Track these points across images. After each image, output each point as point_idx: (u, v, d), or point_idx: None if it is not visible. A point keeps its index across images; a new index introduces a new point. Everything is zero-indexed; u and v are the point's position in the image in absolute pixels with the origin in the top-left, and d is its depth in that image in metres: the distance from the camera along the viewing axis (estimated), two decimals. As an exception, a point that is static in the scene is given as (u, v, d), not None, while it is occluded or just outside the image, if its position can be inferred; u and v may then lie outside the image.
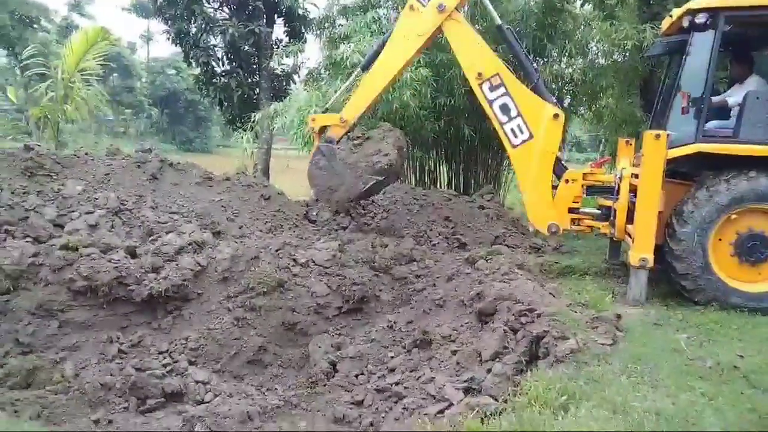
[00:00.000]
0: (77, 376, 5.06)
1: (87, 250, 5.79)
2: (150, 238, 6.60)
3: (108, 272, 5.60)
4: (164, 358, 5.31)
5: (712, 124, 6.07)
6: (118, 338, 5.47)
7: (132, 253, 6.07)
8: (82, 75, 13.34)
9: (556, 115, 6.81)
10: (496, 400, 3.84)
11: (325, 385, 5.20)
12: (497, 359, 4.50)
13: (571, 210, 6.85)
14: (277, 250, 6.53)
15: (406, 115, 9.90)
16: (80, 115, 13.58)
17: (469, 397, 3.99)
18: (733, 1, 5.89)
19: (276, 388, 5.34)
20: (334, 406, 4.72)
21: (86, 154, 8.08)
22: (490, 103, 6.96)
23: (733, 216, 5.63)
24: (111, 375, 4.95)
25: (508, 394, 3.77)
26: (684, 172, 6.25)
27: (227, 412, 4.52)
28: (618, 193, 6.49)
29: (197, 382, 5.08)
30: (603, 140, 13.73)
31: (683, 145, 5.93)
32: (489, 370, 4.33)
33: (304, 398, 5.04)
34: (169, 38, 13.97)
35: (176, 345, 5.51)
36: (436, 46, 10.20)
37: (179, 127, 43.68)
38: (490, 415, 3.44)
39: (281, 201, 8.72)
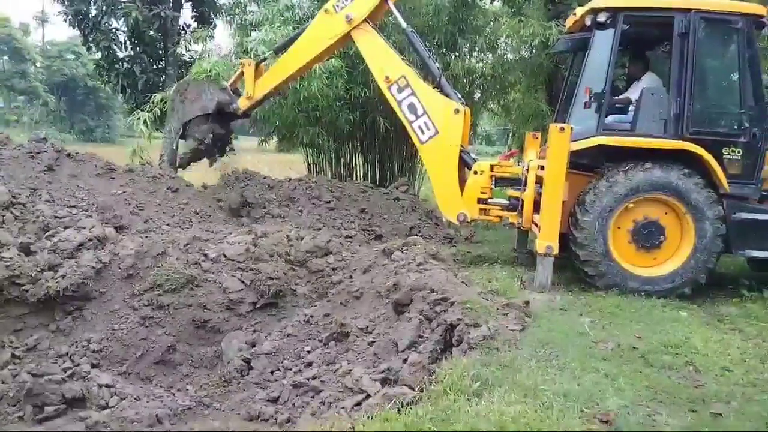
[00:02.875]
0: (-37, 385, 4.63)
1: (-27, 249, 5.31)
2: (46, 234, 6.13)
3: (-2, 271, 5.16)
4: (64, 362, 4.95)
5: (611, 119, 6.43)
6: (12, 342, 5.06)
7: (26, 251, 5.62)
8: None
9: (456, 111, 7.10)
10: (413, 389, 3.88)
11: (239, 383, 5.05)
12: (413, 348, 4.54)
13: (479, 200, 7.05)
14: (186, 245, 6.26)
15: (319, 105, 9.80)
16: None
17: (386, 387, 4.00)
18: (631, 1, 6.25)
19: (187, 389, 5.12)
20: (249, 404, 4.59)
21: (-29, 143, 7.41)
22: (399, 103, 7.30)
23: (631, 205, 5.99)
24: (3, 383, 4.57)
25: (424, 383, 3.82)
26: (586, 164, 6.57)
27: (134, 416, 4.30)
28: (525, 184, 6.73)
29: (101, 385, 4.77)
30: (511, 134, 14.21)
31: (585, 138, 6.23)
32: (405, 360, 4.36)
33: (217, 398, 4.87)
34: (66, 20, 13.08)
35: (77, 347, 5.16)
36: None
37: (79, 116, 41.18)
38: (407, 404, 3.47)
39: (190, 193, 8.39)
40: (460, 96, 7.51)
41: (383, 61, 7.46)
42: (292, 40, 7.95)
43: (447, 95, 7.32)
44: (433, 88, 7.35)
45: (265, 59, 8.39)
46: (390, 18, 9.41)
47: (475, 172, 7.05)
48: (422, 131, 7.21)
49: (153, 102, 9.65)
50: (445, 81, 7.55)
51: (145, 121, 9.17)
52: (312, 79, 9.25)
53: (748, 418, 3.37)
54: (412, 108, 7.25)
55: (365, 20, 7.47)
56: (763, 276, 6.54)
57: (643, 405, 3.43)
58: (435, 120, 7.15)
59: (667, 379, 3.87)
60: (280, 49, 8.10)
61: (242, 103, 8.16)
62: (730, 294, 6.17)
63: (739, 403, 3.56)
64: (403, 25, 7.71)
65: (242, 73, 8.21)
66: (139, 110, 9.50)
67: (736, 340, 4.72)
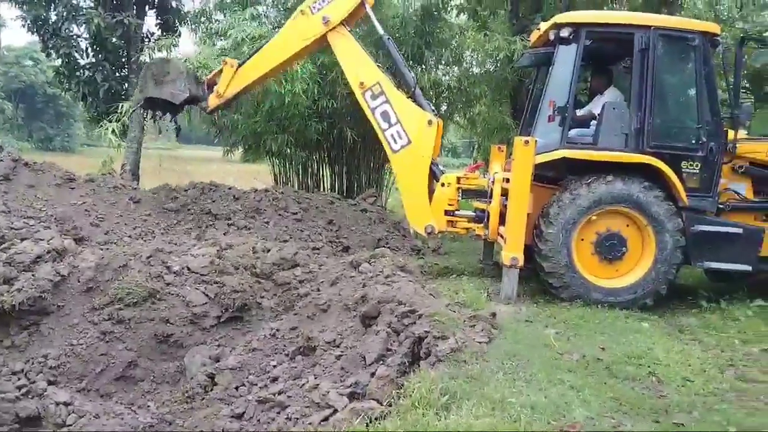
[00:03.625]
0: None
1: None
2: (1, 247, 5.93)
3: (-52, 286, 4.96)
4: (19, 379, 4.75)
5: (574, 132, 6.54)
6: (-39, 360, 4.86)
7: (-22, 264, 5.42)
8: None
9: (429, 122, 7.10)
10: (381, 403, 3.84)
11: (202, 400, 4.94)
12: (381, 362, 4.50)
13: (447, 212, 7.08)
14: (148, 257, 6.12)
15: (290, 113, 9.77)
16: None
17: (353, 402, 3.96)
18: (593, 17, 6.40)
19: (149, 406, 4.99)
20: (213, 420, 4.48)
21: None
22: (372, 110, 7.24)
23: (593, 217, 6.10)
24: (-48, 403, 4.38)
25: (393, 397, 3.79)
26: (550, 177, 6.67)
27: (93, 435, 4.16)
28: (491, 196, 6.80)
29: (58, 403, 4.60)
30: (476, 146, 14.38)
31: (549, 151, 6.33)
32: (373, 374, 4.31)
33: (179, 414, 4.75)
34: (24, 25, 12.72)
35: (33, 364, 4.98)
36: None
37: (37, 124, 40.10)
38: (375, 419, 3.44)
39: (152, 204, 8.23)
40: (432, 107, 7.54)
41: (358, 66, 7.39)
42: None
43: (420, 105, 7.31)
44: (407, 97, 7.34)
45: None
46: (360, 27, 9.46)
47: (443, 184, 7.09)
48: (395, 140, 7.17)
49: (120, 112, 9.53)
50: (419, 91, 7.56)
51: (113, 131, 9.07)
52: (296, 81, 9.23)
53: (709, 426, 3.44)
54: (385, 116, 7.20)
55: (342, 23, 7.40)
56: (720, 287, 6.73)
57: (608, 416, 3.47)
58: (408, 130, 7.12)
59: (631, 390, 3.93)
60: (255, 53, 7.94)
61: (211, 101, 7.96)
62: (689, 305, 6.33)
63: (699, 413, 3.63)
64: (381, 31, 7.69)
65: (220, 72, 8.02)
66: (107, 120, 9.36)
67: (696, 350, 4.83)
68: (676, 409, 3.66)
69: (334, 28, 7.38)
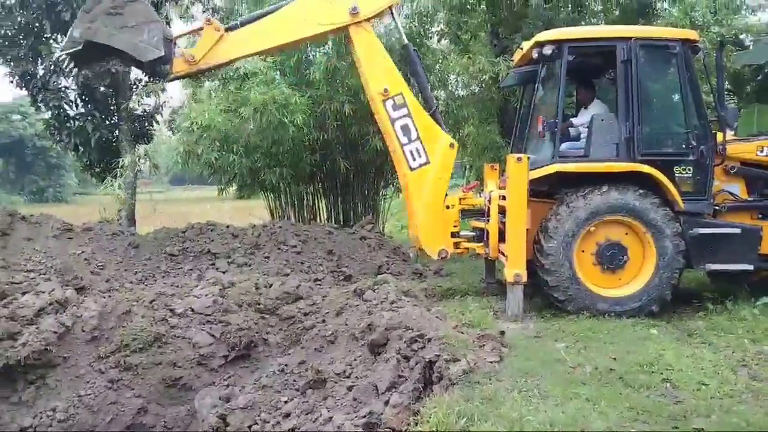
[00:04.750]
0: None
1: (-76, 323, 5.05)
2: (2, 302, 5.90)
3: (-47, 345, 4.92)
4: (28, 436, 4.72)
5: (565, 146, 6.61)
6: (-31, 420, 4.80)
7: (-19, 321, 5.38)
8: None
9: (452, 144, 7.02)
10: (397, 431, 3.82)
11: (216, 441, 4.89)
12: (394, 389, 4.48)
13: (452, 234, 7.06)
14: (151, 302, 6.10)
15: (286, 147, 9.88)
16: None
17: (370, 432, 3.93)
18: (574, 33, 6.53)
19: (161, 453, 4.93)
20: (228, 461, 4.44)
21: None
22: (393, 121, 6.83)
23: (592, 228, 6.13)
24: (-38, 465, 4.32)
25: (409, 424, 3.76)
26: (545, 191, 6.72)
27: (107, 488, 4.09)
28: (488, 214, 6.83)
29: (69, 457, 4.56)
30: (468, 166, 14.46)
31: (542, 167, 6.39)
32: (387, 402, 4.29)
33: (194, 458, 4.70)
34: (12, 81, 12.81)
35: (42, 419, 4.94)
36: (306, 83, 10.29)
37: (28, 177, 40.14)
38: (393, 448, 3.40)
39: (151, 248, 8.22)
40: (446, 130, 7.33)
41: (382, 69, 6.85)
42: (258, 17, 6.81)
43: (439, 125, 7.07)
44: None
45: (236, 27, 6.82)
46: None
47: (448, 207, 7.04)
48: (413, 157, 6.83)
49: (122, 166, 9.74)
50: (438, 112, 7.25)
51: (120, 186, 9.29)
52: (297, 113, 9.30)
53: (729, 429, 3.42)
54: (405, 130, 6.81)
55: (368, 19, 6.84)
56: (724, 288, 6.74)
57: (627, 426, 3.46)
58: (428, 148, 6.83)
59: (647, 398, 3.91)
60: (248, 22, 6.76)
61: (178, 66, 6.56)
62: (695, 308, 6.33)
63: (718, 415, 3.62)
64: (405, 40, 7.32)
65: (198, 32, 6.76)
66: (110, 176, 9.61)
67: (708, 353, 4.81)
68: (694, 414, 3.64)
69: (360, 22, 6.79)
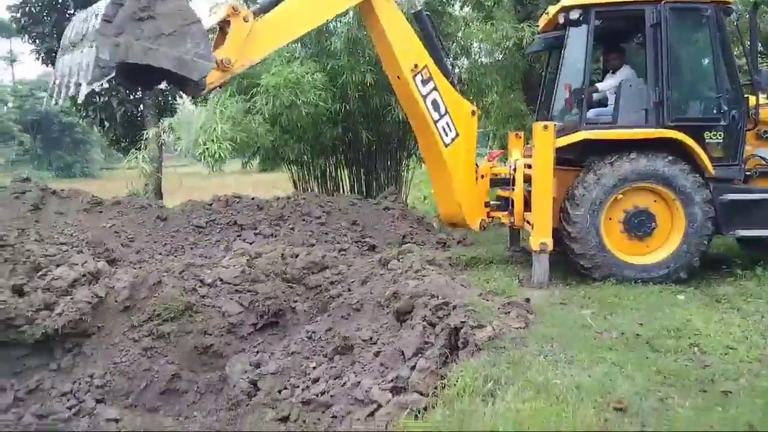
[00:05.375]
0: (-33, 434, 4.56)
1: (-34, 294, 5.23)
2: (38, 274, 6.06)
3: (-7, 315, 5.09)
4: (68, 400, 4.89)
5: (592, 112, 6.51)
6: (12, 385, 4.98)
7: (19, 292, 5.54)
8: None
9: (473, 112, 6.89)
10: (424, 395, 3.88)
11: (247, 406, 5.01)
12: (420, 355, 4.54)
13: (485, 204, 7.04)
14: (180, 272, 6.22)
15: (303, 123, 9.85)
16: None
17: (397, 396, 4.00)
18: (601, -2, 6.36)
19: (195, 416, 5.08)
20: (260, 425, 4.56)
21: (-48, 188, 7.35)
22: (424, 98, 6.42)
23: (620, 196, 6.06)
24: (7, 427, 4.50)
25: (435, 388, 3.82)
26: (572, 159, 6.65)
27: (145, 449, 4.25)
28: (514, 183, 6.79)
29: (108, 420, 4.74)
30: (492, 135, 14.33)
31: (569, 134, 6.31)
32: (413, 367, 4.36)
33: (226, 422, 4.85)
34: (38, 58, 12.99)
35: (80, 384, 5.10)
36: (327, 54, 10.23)
37: (56, 153, 40.80)
38: (421, 411, 3.47)
39: (179, 221, 8.36)
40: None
41: (409, 44, 6.38)
42: (276, 2, 5.53)
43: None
44: None
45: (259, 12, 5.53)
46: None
47: (481, 176, 6.98)
48: (446, 132, 6.53)
49: (146, 139, 9.83)
50: (454, 80, 6.93)
51: (144, 159, 9.37)
52: (311, 92, 9.16)
53: (758, 393, 3.41)
54: (435, 105, 6.43)
55: None
56: (754, 254, 6.64)
57: (654, 390, 3.47)
58: (456, 121, 6.60)
59: (674, 362, 3.91)
60: (263, 11, 5.47)
61: (213, 76, 5.03)
62: (724, 274, 6.25)
63: (747, 379, 3.61)
64: (417, 4, 7.03)
65: (223, 28, 5.25)
66: (135, 149, 9.68)
67: (736, 318, 4.78)
68: (722, 378, 3.64)
69: None
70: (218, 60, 4.95)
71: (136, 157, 9.18)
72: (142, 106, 13.65)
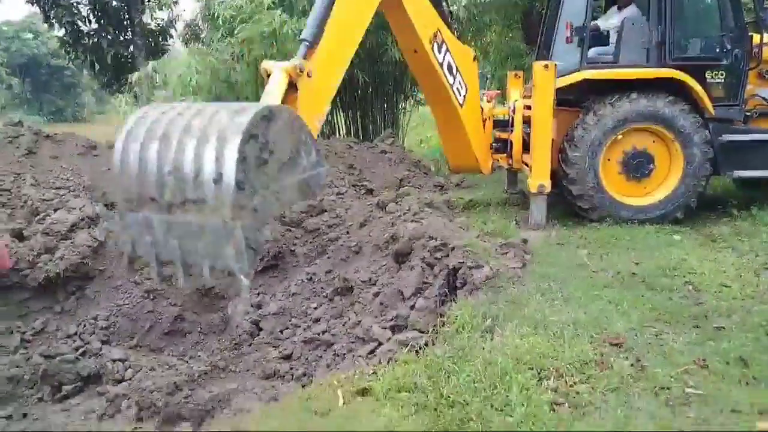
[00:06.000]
0: (-23, 373, 4.65)
1: (-34, 238, 5.25)
2: (36, 218, 6.08)
3: (-6, 259, 5.12)
4: (74, 341, 4.99)
5: (593, 51, 6.39)
6: (19, 327, 5.06)
7: (19, 236, 5.58)
8: None
9: (475, 58, 6.70)
10: (423, 332, 3.97)
11: (250, 345, 5.12)
12: (419, 295, 4.62)
13: (491, 146, 6.99)
14: (180, 217, 6.23)
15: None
16: None
17: (397, 334, 4.09)
18: (605, -69, 6.14)
19: (199, 355, 5.19)
20: (263, 363, 4.67)
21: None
22: (441, 65, 6.01)
23: (619, 137, 6.03)
24: (17, 367, 4.59)
25: (435, 326, 3.90)
26: (571, 100, 6.57)
27: (152, 386, 4.34)
28: (512, 125, 6.73)
29: (114, 360, 4.83)
30: (490, 76, 14.11)
31: (569, 74, 6.21)
32: (412, 307, 4.44)
33: (230, 360, 4.94)
34: (23, -3, 12.59)
35: (85, 326, 5.19)
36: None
37: (46, 96, 40.02)
38: (421, 347, 3.55)
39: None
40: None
41: (426, 15, 5.79)
42: (321, 23, 4.49)
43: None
44: None
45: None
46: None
47: (484, 120, 6.85)
48: (459, 92, 6.25)
49: (131, 82, 9.59)
50: (450, 22, 6.56)
51: (127, 102, 9.15)
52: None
53: (749, 328, 3.50)
54: (450, 68, 6.06)
55: None
56: (750, 194, 6.68)
57: (649, 326, 3.55)
58: (464, 74, 6.27)
59: (669, 300, 3.99)
60: (314, 42, 4.39)
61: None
62: (720, 215, 6.30)
63: (739, 315, 3.69)
64: None
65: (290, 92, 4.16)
66: (118, 93, 9.44)
67: (731, 257, 4.85)
68: (715, 314, 3.72)
69: None
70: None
71: (120, 101, 8.97)
72: (132, 47, 13.33)
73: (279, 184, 3.44)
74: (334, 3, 4.52)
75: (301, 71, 4.08)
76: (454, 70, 6.13)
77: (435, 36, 5.86)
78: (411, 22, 5.63)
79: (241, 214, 3.13)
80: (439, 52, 5.91)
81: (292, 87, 4.04)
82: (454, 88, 6.19)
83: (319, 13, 4.45)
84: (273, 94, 3.91)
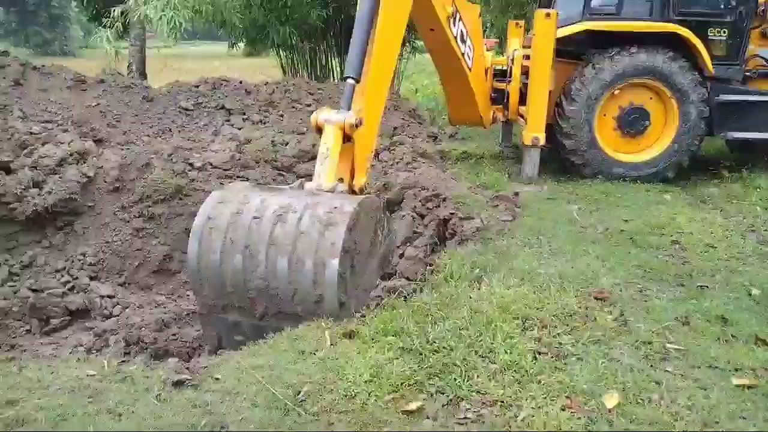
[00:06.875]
0: (-35, 305, 4.67)
1: (-49, 170, 5.17)
2: (24, 152, 5.97)
3: (-20, 192, 5.06)
4: (62, 276, 4.99)
5: (596, 1, 6.24)
6: (7, 260, 5.05)
7: (6, 169, 5.48)
8: None
9: (480, 14, 6.51)
10: (411, 280, 4.00)
11: (240, 286, 5.16)
12: (408, 244, 4.65)
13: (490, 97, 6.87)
14: (169, 155, 6.15)
15: (289, 2, 9.37)
16: None
17: (385, 281, 4.12)
18: None
19: (188, 295, 5.22)
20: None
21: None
22: (456, 38, 5.77)
23: (616, 91, 5.97)
24: (5, 299, 4.61)
25: (423, 274, 3.93)
26: (572, 51, 6.46)
27: (141, 323, 4.40)
28: (510, 75, 6.63)
29: (102, 296, 4.87)
30: (490, 25, 13.81)
31: (571, 24, 6.09)
32: (401, 255, 4.48)
33: (220, 300, 4.99)
34: None
35: (73, 261, 5.18)
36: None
37: (32, 28, 38.77)
38: (409, 294, 3.59)
39: (165, 102, 8.13)
40: None
41: None
42: (362, 51, 4.04)
43: None
44: None
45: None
46: None
47: (487, 69, 6.70)
48: (469, 57, 6.03)
49: (113, 17, 9.25)
50: None
51: (107, 39, 8.83)
52: None
53: (732, 288, 3.56)
54: (462, 37, 5.85)
55: None
56: (742, 157, 6.69)
57: (634, 282, 3.60)
58: (472, 36, 6.03)
59: (655, 258, 4.04)
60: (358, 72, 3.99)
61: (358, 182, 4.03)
62: (711, 176, 6.34)
63: (723, 275, 3.75)
64: None
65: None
66: (101, 27, 9.07)
67: (719, 218, 4.90)
68: (699, 274, 3.78)
69: None
70: (359, 188, 4.00)
71: (99, 36, 8.62)
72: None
73: (366, 276, 3.49)
74: (372, 26, 4.08)
75: (357, 126, 3.79)
76: (465, 37, 5.91)
77: (453, 13, 5.58)
78: (431, 5, 5.28)
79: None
80: (454, 25, 5.63)
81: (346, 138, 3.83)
82: (465, 55, 5.97)
83: (360, 41, 4.02)
84: (331, 157, 3.76)
